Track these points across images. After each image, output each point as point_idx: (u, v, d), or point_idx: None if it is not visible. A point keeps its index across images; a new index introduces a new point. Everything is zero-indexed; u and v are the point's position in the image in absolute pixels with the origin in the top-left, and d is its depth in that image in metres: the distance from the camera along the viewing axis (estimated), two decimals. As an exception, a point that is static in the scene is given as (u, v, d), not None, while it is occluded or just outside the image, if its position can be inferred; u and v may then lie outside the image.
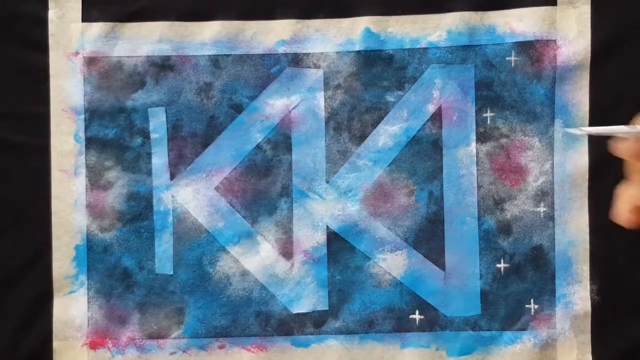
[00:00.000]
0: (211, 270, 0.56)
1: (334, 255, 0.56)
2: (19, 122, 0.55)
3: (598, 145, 0.55)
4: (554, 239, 0.55)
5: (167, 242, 0.56)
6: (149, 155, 0.56)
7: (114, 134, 0.56)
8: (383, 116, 0.56)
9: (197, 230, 0.56)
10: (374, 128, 0.56)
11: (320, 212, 0.56)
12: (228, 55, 0.56)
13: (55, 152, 0.56)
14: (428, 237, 0.55)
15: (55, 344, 0.55)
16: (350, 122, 0.56)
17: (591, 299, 0.55)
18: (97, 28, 0.56)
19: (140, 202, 0.56)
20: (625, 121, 0.56)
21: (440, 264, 0.55)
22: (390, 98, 0.56)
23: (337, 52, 0.56)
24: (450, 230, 0.55)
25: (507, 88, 0.55)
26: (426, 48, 0.56)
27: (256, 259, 0.56)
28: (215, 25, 0.56)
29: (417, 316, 0.55)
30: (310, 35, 0.56)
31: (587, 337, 0.55)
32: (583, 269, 0.55)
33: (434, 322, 0.55)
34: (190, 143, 0.56)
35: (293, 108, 0.56)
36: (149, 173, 0.56)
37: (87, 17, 0.56)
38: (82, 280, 0.56)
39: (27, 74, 0.56)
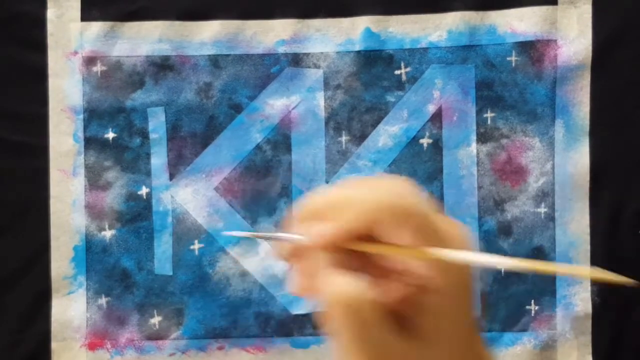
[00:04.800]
0: (210, 271, 0.55)
1: (333, 256, 0.55)
2: (18, 122, 0.55)
3: (599, 146, 0.55)
4: (554, 239, 0.55)
5: (166, 242, 0.56)
6: (148, 155, 0.56)
7: (113, 134, 0.56)
8: (383, 116, 0.56)
9: (196, 231, 0.56)
10: (374, 128, 0.56)
11: (320, 212, 0.55)
12: (228, 55, 0.56)
13: (54, 152, 0.55)
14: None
15: (54, 345, 0.55)
16: (350, 122, 0.56)
17: (592, 300, 0.55)
18: (97, 27, 0.55)
19: (139, 203, 0.56)
20: (627, 121, 0.56)
21: (441, 265, 0.55)
22: (390, 98, 0.56)
23: (337, 52, 0.56)
24: (450, 230, 0.55)
25: (508, 88, 0.55)
26: (426, 48, 0.55)
27: (256, 259, 0.55)
28: (215, 25, 0.55)
29: (417, 317, 0.55)
30: (310, 35, 0.56)
31: (587, 339, 0.55)
32: (584, 269, 0.55)
33: (434, 323, 0.55)
34: (189, 143, 0.56)
35: (293, 108, 0.56)
36: (148, 173, 0.56)
37: (86, 16, 0.56)
38: (81, 280, 0.55)
39: (26, 74, 0.55)
